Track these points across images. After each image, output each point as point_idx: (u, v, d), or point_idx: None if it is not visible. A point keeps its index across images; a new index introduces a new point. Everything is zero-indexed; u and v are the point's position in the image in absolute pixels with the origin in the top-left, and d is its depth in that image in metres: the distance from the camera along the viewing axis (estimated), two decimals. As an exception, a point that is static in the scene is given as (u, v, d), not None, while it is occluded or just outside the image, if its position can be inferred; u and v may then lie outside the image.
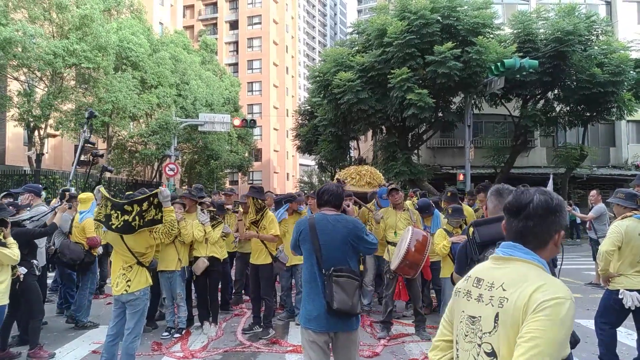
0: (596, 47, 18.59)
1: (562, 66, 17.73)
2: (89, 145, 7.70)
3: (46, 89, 19.29)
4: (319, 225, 3.23)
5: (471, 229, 2.49)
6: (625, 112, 19.41)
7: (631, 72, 18.28)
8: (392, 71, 16.76)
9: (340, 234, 3.20)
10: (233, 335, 6.08)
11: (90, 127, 7.96)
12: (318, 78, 19.85)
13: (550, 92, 20.01)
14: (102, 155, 7.14)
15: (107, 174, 21.95)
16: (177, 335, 5.96)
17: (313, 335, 3.14)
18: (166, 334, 5.99)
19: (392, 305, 5.99)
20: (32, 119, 18.88)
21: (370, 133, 26.61)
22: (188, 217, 6.11)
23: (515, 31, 18.90)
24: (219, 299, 6.92)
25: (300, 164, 66.20)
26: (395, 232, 6.12)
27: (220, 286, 7.05)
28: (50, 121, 19.77)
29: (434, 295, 7.36)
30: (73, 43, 18.17)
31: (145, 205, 4.26)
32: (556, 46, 17.19)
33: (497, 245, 2.33)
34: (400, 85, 16.46)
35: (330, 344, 3.21)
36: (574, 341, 2.52)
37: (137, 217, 4.21)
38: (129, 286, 4.37)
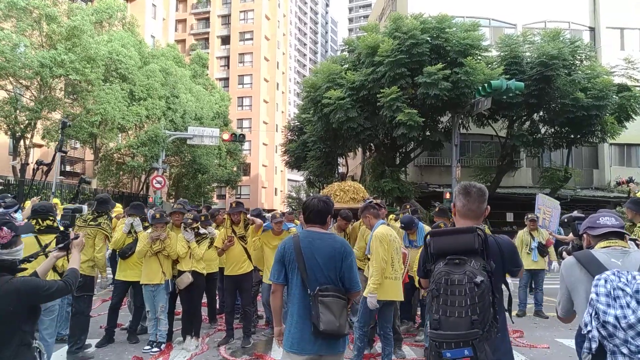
0: (580, 72, 18.95)
1: (547, 89, 18.04)
2: (62, 153, 7.60)
3: (33, 98, 19.12)
4: (303, 244, 3.08)
5: (428, 237, 2.41)
6: (608, 135, 19.82)
7: (614, 96, 18.62)
8: (382, 90, 16.95)
9: (325, 252, 3.06)
10: (216, 351, 6.01)
11: (62, 140, 7.87)
12: (309, 92, 19.96)
13: (535, 114, 20.35)
14: (48, 164, 7.06)
15: (90, 186, 21.70)
16: (156, 349, 5.88)
17: (297, 358, 2.99)
18: (148, 347, 5.93)
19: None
20: (18, 128, 18.66)
21: (359, 150, 26.76)
22: (175, 232, 6.13)
23: (502, 53, 19.27)
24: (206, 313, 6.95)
25: (289, 179, 66.16)
26: None
27: (206, 300, 7.11)
28: (37, 130, 19.55)
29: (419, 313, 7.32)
30: (61, 53, 18.08)
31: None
32: (541, 70, 17.55)
33: (447, 260, 2.26)
34: (390, 104, 16.64)
35: None
36: None
37: None
38: None
